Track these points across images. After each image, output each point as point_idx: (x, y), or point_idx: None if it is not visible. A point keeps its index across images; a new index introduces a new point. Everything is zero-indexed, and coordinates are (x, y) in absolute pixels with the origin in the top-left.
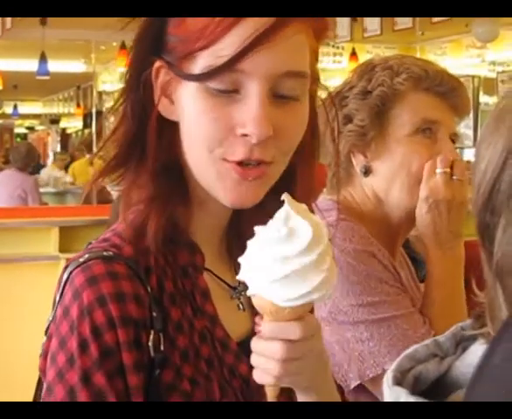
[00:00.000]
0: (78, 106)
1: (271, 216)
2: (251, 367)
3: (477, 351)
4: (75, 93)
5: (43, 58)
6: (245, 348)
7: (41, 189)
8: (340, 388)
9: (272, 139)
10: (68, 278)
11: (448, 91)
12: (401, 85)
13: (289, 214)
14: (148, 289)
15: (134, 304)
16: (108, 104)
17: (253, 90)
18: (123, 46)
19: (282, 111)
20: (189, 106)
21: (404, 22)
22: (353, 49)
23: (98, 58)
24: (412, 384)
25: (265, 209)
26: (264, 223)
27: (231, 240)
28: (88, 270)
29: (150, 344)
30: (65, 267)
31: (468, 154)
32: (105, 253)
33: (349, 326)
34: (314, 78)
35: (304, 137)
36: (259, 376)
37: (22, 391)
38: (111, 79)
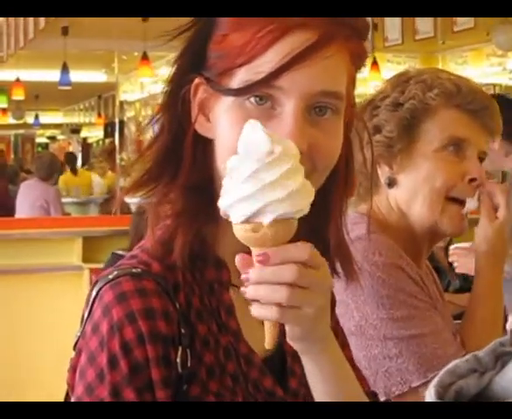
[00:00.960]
0: (99, 115)
1: (299, 239)
2: (275, 382)
3: None
4: (96, 103)
5: (65, 69)
6: (270, 364)
7: (63, 199)
8: (373, 393)
9: (306, 155)
10: (97, 294)
11: (480, 109)
12: (432, 101)
13: (273, 138)
14: (177, 305)
15: (164, 320)
16: (129, 114)
17: (289, 106)
18: (145, 56)
19: (316, 129)
20: (223, 122)
21: (425, 31)
22: (374, 58)
23: (119, 68)
24: (454, 399)
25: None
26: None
27: None
28: (117, 286)
29: (178, 360)
30: (94, 284)
31: None
32: (133, 270)
33: (378, 342)
34: (350, 104)
35: (338, 165)
36: (260, 311)
37: (47, 399)
38: (132, 89)
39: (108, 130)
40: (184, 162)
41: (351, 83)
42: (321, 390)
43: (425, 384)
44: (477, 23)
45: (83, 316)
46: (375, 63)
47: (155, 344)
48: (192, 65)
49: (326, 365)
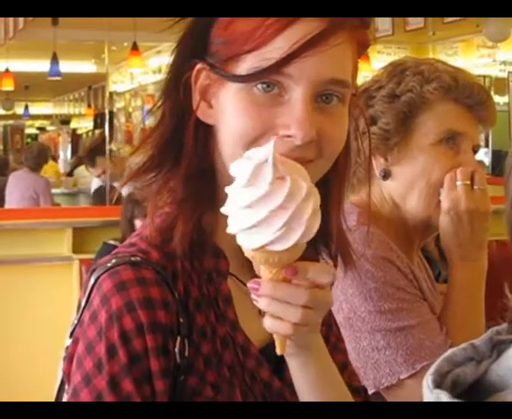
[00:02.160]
0: (88, 106)
1: None
2: (272, 372)
3: None
4: (86, 94)
5: (54, 59)
6: (266, 354)
7: (52, 190)
8: (363, 389)
9: (314, 142)
10: (95, 282)
11: (477, 103)
12: (430, 94)
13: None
14: (176, 295)
15: (163, 310)
16: (119, 104)
17: (298, 93)
18: (135, 47)
19: (324, 116)
20: (229, 108)
21: (415, 22)
22: None
23: (109, 59)
24: (451, 387)
25: None
26: None
27: None
28: (116, 275)
29: (176, 350)
30: (92, 271)
31: (480, 155)
32: (132, 258)
33: (366, 334)
34: (353, 93)
35: (339, 154)
36: (273, 325)
37: (36, 390)
38: (122, 80)
39: (98, 121)
40: (186, 149)
41: (355, 72)
42: (306, 395)
43: (414, 375)
44: None
45: (79, 303)
46: (365, 54)
47: (154, 334)
48: (193, 50)
49: (312, 368)
